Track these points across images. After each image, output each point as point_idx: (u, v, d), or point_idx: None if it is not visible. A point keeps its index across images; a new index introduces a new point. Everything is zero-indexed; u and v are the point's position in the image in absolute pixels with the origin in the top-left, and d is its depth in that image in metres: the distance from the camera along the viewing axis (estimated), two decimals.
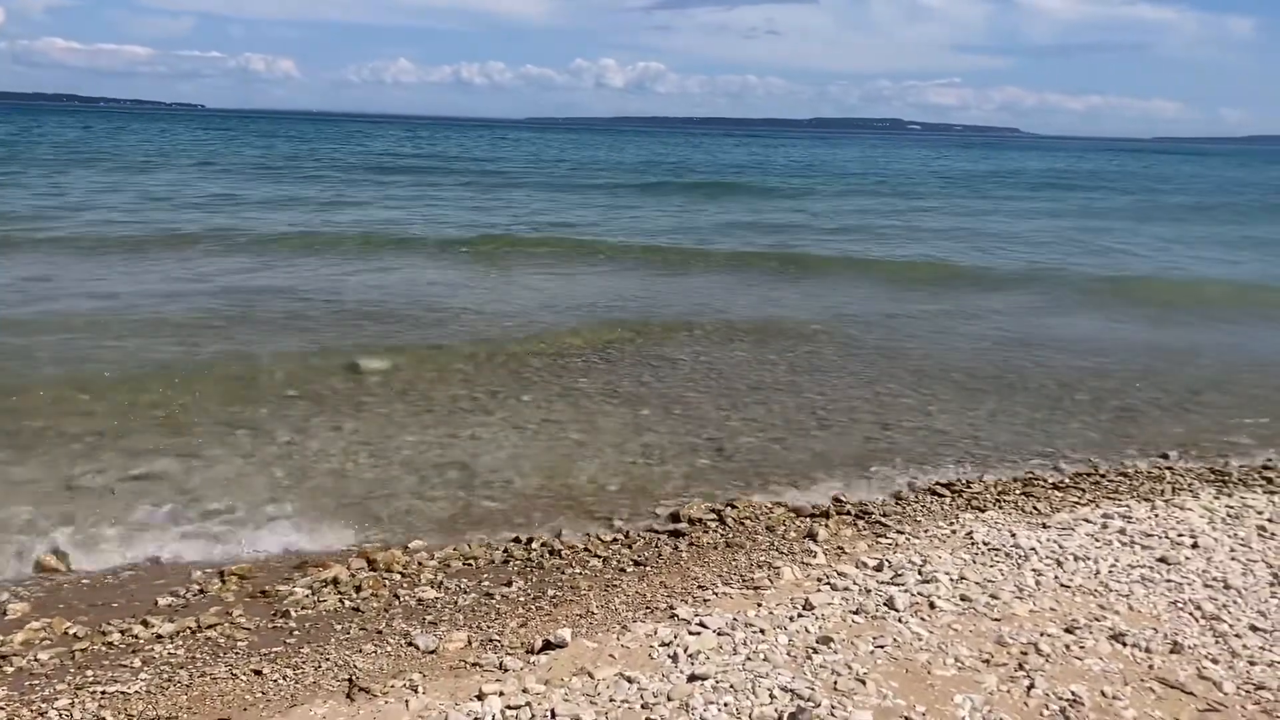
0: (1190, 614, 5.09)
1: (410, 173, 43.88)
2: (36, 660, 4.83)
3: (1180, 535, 6.27)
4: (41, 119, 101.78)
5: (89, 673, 4.70)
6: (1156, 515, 6.72)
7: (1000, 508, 7.05)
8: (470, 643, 5.00)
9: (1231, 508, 6.93)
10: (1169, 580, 5.53)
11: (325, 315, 13.10)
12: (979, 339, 13.38)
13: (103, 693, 4.48)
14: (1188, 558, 5.88)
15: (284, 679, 4.63)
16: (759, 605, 5.24)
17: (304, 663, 4.80)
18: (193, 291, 14.43)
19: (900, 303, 15.85)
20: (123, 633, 5.15)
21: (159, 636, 5.10)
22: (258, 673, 4.69)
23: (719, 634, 4.83)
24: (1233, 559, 5.87)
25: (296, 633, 5.20)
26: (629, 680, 4.38)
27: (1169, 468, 8.15)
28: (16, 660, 4.82)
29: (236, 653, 4.96)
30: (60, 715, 4.29)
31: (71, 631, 5.17)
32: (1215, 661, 4.58)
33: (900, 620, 4.98)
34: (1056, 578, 5.57)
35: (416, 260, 18.56)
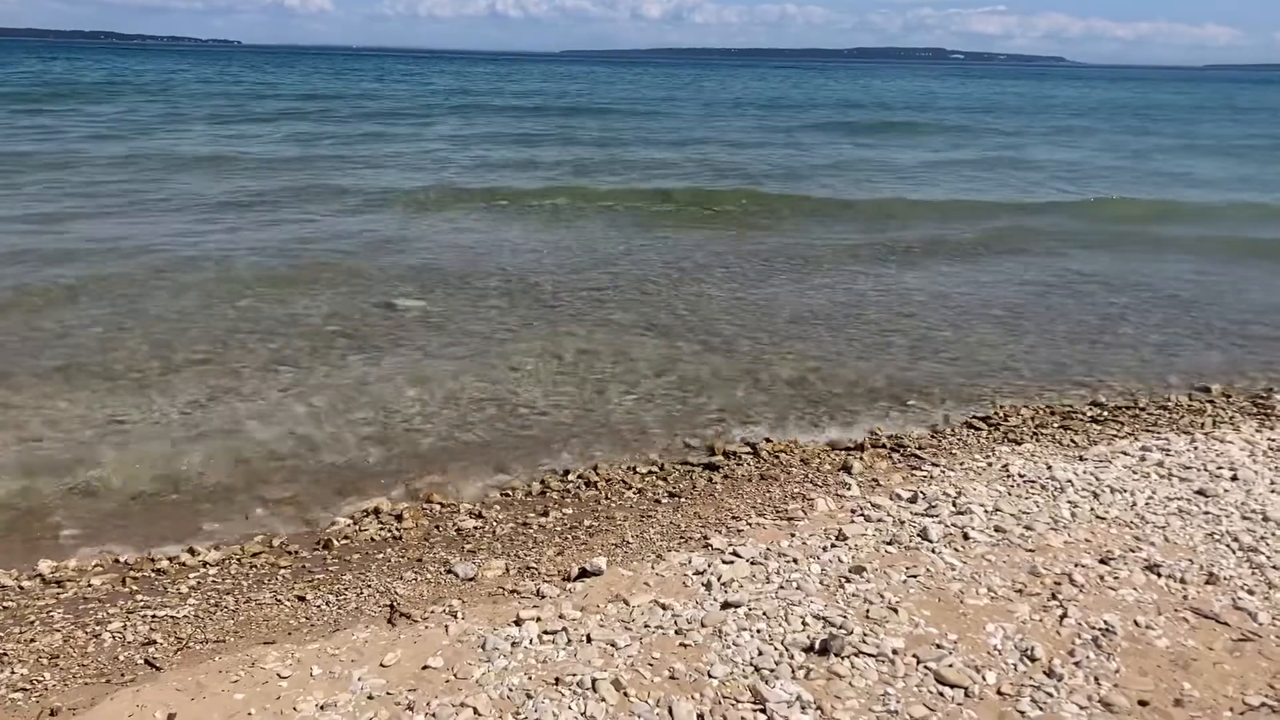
0: (1227, 545, 5.06)
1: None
2: (90, 585, 5.00)
3: (1219, 468, 6.22)
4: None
5: (140, 598, 4.86)
6: (1196, 448, 6.66)
7: (1037, 440, 7.02)
8: (508, 570, 5.10)
9: (1274, 440, 6.84)
10: (1206, 512, 5.49)
11: None
12: None
13: (153, 616, 4.63)
14: (1226, 490, 5.83)
15: (327, 605, 4.75)
16: (792, 535, 5.28)
17: (346, 589, 4.92)
18: None
19: None
20: (171, 560, 5.31)
21: (206, 564, 5.25)
22: (301, 599, 4.81)
23: (752, 563, 4.88)
24: (1273, 491, 5.82)
25: (339, 560, 5.33)
26: (663, 607, 4.45)
27: (1210, 400, 8.05)
28: (71, 585, 5.00)
29: (281, 579, 5.09)
30: (113, 637, 4.44)
31: (123, 558, 5.34)
32: (1251, 592, 4.56)
33: (933, 551, 5.00)
34: (1092, 510, 5.55)
35: None
